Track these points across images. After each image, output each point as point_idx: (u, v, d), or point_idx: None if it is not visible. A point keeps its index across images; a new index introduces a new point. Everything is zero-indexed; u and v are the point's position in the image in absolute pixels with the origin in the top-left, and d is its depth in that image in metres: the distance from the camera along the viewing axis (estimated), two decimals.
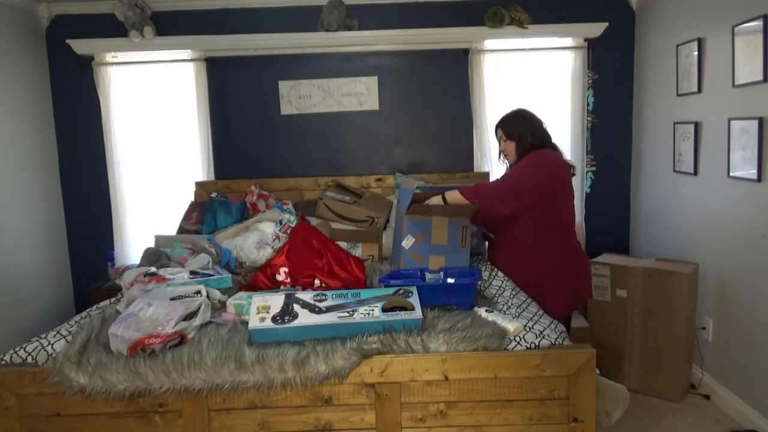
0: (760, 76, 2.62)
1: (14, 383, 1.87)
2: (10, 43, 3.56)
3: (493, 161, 3.87)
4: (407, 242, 2.62)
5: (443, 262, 2.58)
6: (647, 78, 3.81)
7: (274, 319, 1.93)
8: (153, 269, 2.54)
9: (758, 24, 2.61)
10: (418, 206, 2.61)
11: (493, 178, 3.85)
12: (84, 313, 2.38)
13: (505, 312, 2.21)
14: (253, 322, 1.93)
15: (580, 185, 3.91)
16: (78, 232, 4.05)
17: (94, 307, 2.49)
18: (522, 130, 2.66)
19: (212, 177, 3.98)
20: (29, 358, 1.95)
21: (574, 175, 2.70)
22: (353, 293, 2.10)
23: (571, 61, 3.89)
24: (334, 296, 2.08)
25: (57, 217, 3.98)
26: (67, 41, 3.73)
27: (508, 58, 3.90)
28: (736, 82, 2.81)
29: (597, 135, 3.98)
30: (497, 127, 2.76)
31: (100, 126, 3.87)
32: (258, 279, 2.66)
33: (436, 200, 2.61)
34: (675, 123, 3.42)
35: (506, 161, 2.79)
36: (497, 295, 2.44)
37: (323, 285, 2.56)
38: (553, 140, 2.72)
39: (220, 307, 2.31)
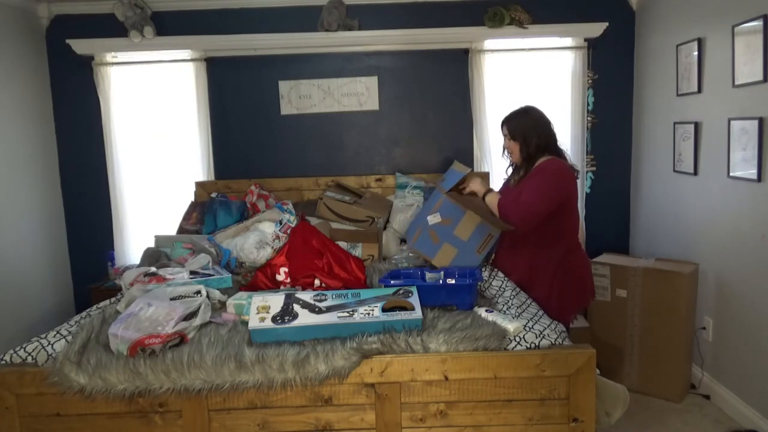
0: (760, 76, 2.62)
1: (14, 383, 1.88)
2: (10, 43, 3.56)
3: (493, 161, 3.87)
4: (433, 218, 2.62)
5: (453, 256, 2.58)
6: (647, 78, 3.81)
7: (274, 319, 1.93)
8: (153, 269, 2.54)
9: (758, 24, 2.61)
10: (460, 195, 2.65)
11: (493, 177, 3.85)
12: (84, 313, 2.39)
13: (505, 312, 2.21)
14: (253, 322, 1.93)
15: (580, 185, 3.91)
16: (78, 232, 4.05)
17: (94, 307, 2.49)
18: (528, 131, 2.58)
19: (212, 177, 3.98)
20: (29, 358, 1.95)
21: (577, 178, 2.68)
22: (353, 293, 2.10)
23: (571, 61, 3.89)
24: (334, 296, 2.08)
25: (57, 218, 3.98)
26: (67, 41, 3.73)
27: (508, 58, 3.90)
28: (736, 82, 2.81)
29: (597, 135, 3.97)
30: (503, 123, 2.69)
31: (100, 126, 3.86)
32: (258, 279, 2.66)
33: (480, 191, 2.70)
34: (675, 123, 3.42)
35: (509, 158, 2.74)
36: (497, 295, 2.44)
37: (323, 285, 2.56)
38: (559, 143, 2.66)
39: (220, 307, 2.31)
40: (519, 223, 2.48)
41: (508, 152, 2.72)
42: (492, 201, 2.61)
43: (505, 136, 2.69)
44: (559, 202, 2.50)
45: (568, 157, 2.65)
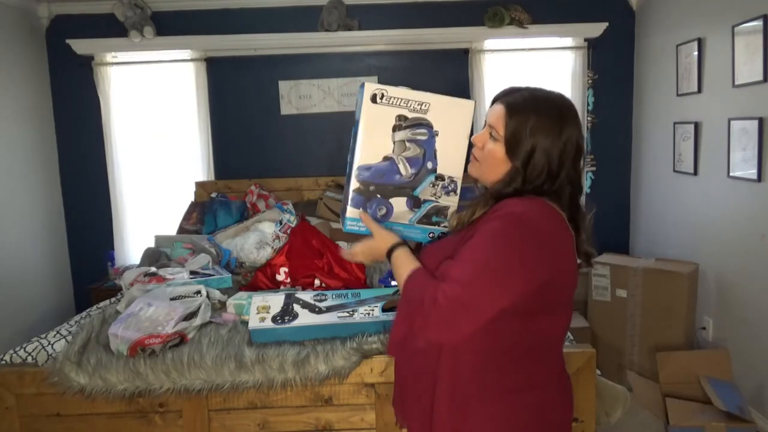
0: (760, 76, 2.62)
1: (14, 383, 1.88)
2: (10, 43, 3.56)
3: None
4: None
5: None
6: (647, 78, 3.81)
7: (274, 319, 1.93)
8: (153, 269, 2.54)
9: (758, 24, 2.61)
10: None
11: None
12: (84, 313, 2.39)
13: None
14: (253, 322, 1.93)
15: None
16: (78, 232, 4.05)
17: (94, 307, 2.49)
18: (543, 145, 1.21)
19: (212, 177, 3.98)
20: (29, 358, 1.95)
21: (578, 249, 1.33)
22: (353, 293, 2.10)
23: (571, 61, 3.89)
24: (334, 296, 2.08)
25: (57, 217, 3.98)
26: (67, 41, 3.73)
27: (508, 58, 3.90)
28: (736, 82, 2.81)
29: (597, 135, 3.97)
30: (499, 102, 1.28)
31: (100, 126, 3.87)
32: (258, 279, 2.66)
33: (379, 246, 1.33)
34: (675, 123, 3.42)
35: (470, 165, 1.32)
36: None
37: (323, 285, 2.56)
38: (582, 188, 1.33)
39: (220, 307, 2.31)
40: (440, 328, 1.13)
41: (474, 156, 1.32)
42: (401, 268, 1.26)
43: (490, 130, 1.27)
44: (531, 289, 1.16)
45: (582, 207, 1.33)
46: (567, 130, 1.24)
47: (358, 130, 1.31)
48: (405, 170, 1.33)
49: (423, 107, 1.33)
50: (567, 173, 1.24)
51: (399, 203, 1.35)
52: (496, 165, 1.26)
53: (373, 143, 1.31)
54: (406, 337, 1.28)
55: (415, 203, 1.35)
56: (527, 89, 1.28)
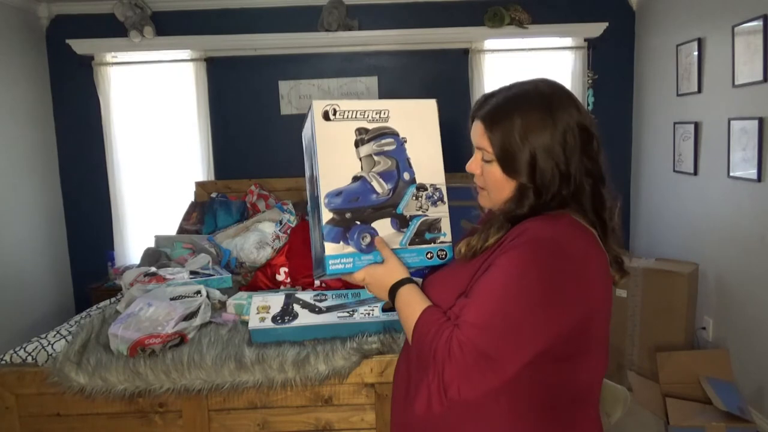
0: (760, 76, 2.62)
1: (14, 383, 1.88)
2: (10, 43, 3.56)
3: None
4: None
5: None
6: (647, 78, 3.81)
7: (274, 319, 1.93)
8: (153, 269, 2.54)
9: (758, 24, 2.61)
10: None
11: None
12: (84, 313, 2.39)
13: None
14: (253, 322, 1.93)
15: None
16: (78, 232, 4.05)
17: (94, 307, 2.49)
18: (545, 148, 1.04)
19: (212, 177, 3.98)
20: (29, 358, 1.95)
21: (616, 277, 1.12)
22: (353, 293, 2.10)
23: (571, 61, 3.89)
24: (334, 296, 2.08)
25: (57, 218, 3.98)
26: (67, 41, 3.73)
27: (509, 58, 3.90)
28: (736, 82, 2.81)
29: None
30: (483, 124, 1.11)
31: (100, 126, 3.87)
32: (258, 279, 2.67)
33: (385, 278, 1.13)
34: (675, 123, 3.42)
35: (475, 193, 1.19)
36: None
37: (323, 285, 2.56)
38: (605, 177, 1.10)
39: (220, 307, 2.31)
40: (459, 383, 0.97)
41: (478, 186, 1.17)
42: (408, 310, 1.08)
43: (479, 151, 1.14)
44: (570, 330, 1.00)
45: (606, 203, 1.08)
46: (561, 115, 1.04)
47: (315, 154, 1.13)
48: (380, 187, 1.16)
49: (382, 115, 1.19)
50: (581, 164, 1.04)
51: (383, 226, 1.15)
52: (502, 188, 1.09)
53: (335, 164, 1.13)
54: (417, 395, 1.08)
55: (401, 222, 1.17)
56: (499, 91, 1.12)
